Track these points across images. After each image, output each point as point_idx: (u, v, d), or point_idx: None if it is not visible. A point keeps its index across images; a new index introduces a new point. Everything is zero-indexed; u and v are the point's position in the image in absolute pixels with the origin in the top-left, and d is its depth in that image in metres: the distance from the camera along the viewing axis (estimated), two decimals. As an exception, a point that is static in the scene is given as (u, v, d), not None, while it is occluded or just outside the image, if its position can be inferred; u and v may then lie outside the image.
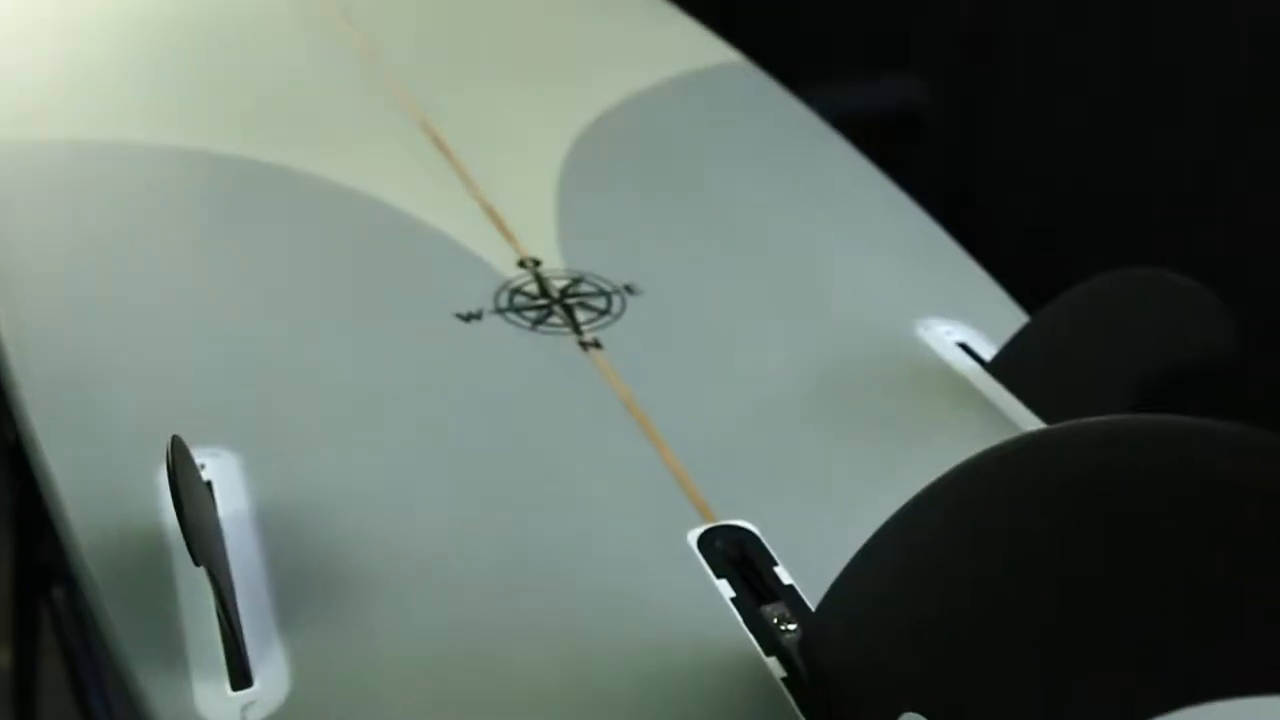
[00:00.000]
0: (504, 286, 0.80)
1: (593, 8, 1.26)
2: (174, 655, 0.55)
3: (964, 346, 0.77)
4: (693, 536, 0.62)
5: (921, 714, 0.45)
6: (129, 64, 1.09)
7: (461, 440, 0.68)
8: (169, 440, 0.53)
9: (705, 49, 1.16)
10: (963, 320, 0.80)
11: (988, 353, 0.76)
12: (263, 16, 1.18)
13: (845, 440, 0.69)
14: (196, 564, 0.50)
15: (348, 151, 0.95)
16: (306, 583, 0.58)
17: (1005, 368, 0.74)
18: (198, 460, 0.64)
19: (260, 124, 0.99)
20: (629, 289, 0.80)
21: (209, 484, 0.63)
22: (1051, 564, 0.42)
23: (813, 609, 0.57)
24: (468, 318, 0.77)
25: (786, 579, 0.59)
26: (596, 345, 0.75)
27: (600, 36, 1.19)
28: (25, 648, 1.25)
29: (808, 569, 0.60)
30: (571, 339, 0.76)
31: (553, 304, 0.78)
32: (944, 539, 0.45)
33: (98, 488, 0.64)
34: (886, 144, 1.12)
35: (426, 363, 0.74)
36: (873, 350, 0.77)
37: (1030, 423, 0.71)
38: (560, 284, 0.80)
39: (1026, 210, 1.56)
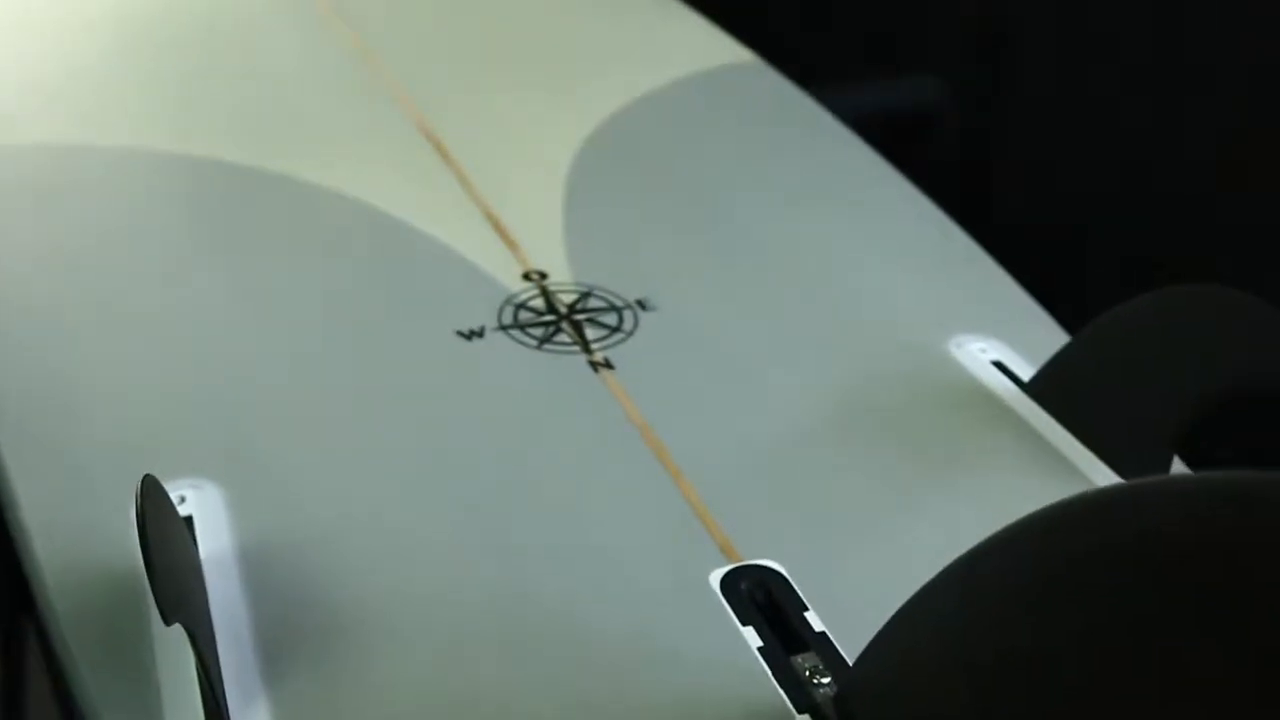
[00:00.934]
0: (508, 301, 0.75)
1: (599, 6, 1.22)
2: (148, 712, 0.50)
3: (999, 365, 0.72)
4: (715, 578, 0.57)
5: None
6: (114, 64, 1.04)
7: (462, 470, 0.63)
8: (139, 481, 0.48)
9: (717, 48, 1.11)
10: (997, 337, 0.75)
11: (1025, 372, 0.71)
12: (254, 15, 1.14)
13: (877, 470, 0.64)
14: (167, 624, 0.45)
15: (342, 156, 0.90)
16: (294, 630, 0.54)
17: (1046, 389, 0.69)
18: (178, 492, 0.60)
19: (249, 127, 0.94)
20: (641, 304, 0.75)
21: (189, 519, 0.59)
22: (1145, 630, 0.37)
23: (848, 660, 0.53)
24: (469, 335, 0.72)
25: (818, 625, 0.54)
26: (607, 365, 0.70)
27: (607, 35, 1.14)
28: (12, 663, 1.22)
29: (841, 614, 0.55)
30: (581, 358, 0.71)
31: (560, 320, 0.73)
32: (1012, 595, 0.40)
33: (69, 521, 0.60)
34: (900, 144, 1.07)
35: (425, 384, 0.69)
36: (903, 369, 0.72)
37: (1075, 449, 0.66)
38: (568, 299, 0.75)
39: (1043, 212, 1.52)
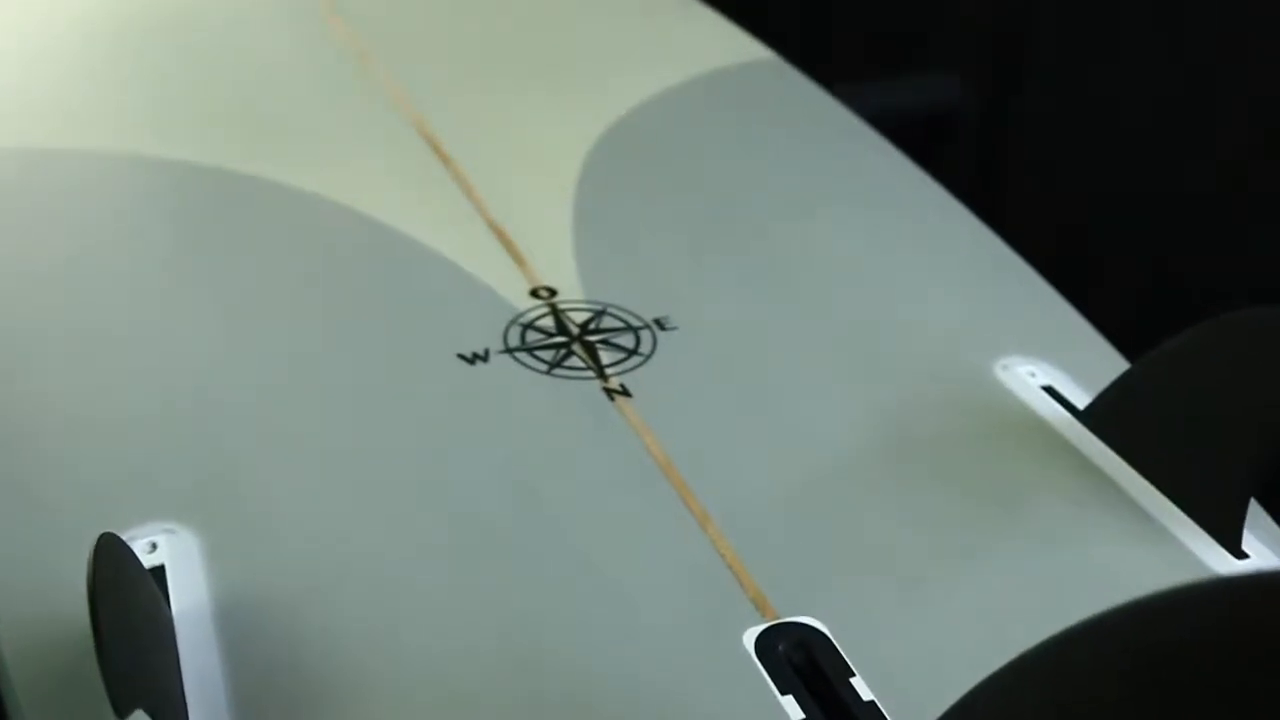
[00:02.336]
0: (514, 321, 0.70)
1: (607, 3, 1.16)
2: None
3: (1050, 390, 0.67)
4: (749, 638, 0.52)
5: None
6: (101, 64, 1.00)
7: (465, 511, 0.58)
8: (95, 540, 0.43)
9: (734, 45, 1.06)
10: (1046, 359, 0.69)
11: (1079, 399, 0.66)
12: (248, 14, 1.09)
13: (926, 512, 0.59)
14: (121, 717, 0.40)
15: (338, 163, 0.86)
16: (278, 697, 0.49)
17: (1104, 419, 0.63)
18: (147, 539, 0.55)
19: (240, 131, 0.90)
20: (660, 323, 0.70)
21: (160, 569, 0.54)
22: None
23: (901, 735, 0.47)
24: (472, 359, 0.67)
25: (866, 694, 0.50)
26: (624, 392, 0.65)
27: (619, 33, 1.09)
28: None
29: (892, 680, 0.50)
30: (594, 384, 0.66)
31: (571, 342, 0.69)
32: (1111, 683, 0.35)
33: (27, 575, 0.55)
34: (919, 145, 1.03)
35: (424, 414, 0.64)
36: (948, 395, 0.67)
37: (1140, 488, 0.60)
38: (580, 318, 0.70)
39: (1062, 213, 1.49)
